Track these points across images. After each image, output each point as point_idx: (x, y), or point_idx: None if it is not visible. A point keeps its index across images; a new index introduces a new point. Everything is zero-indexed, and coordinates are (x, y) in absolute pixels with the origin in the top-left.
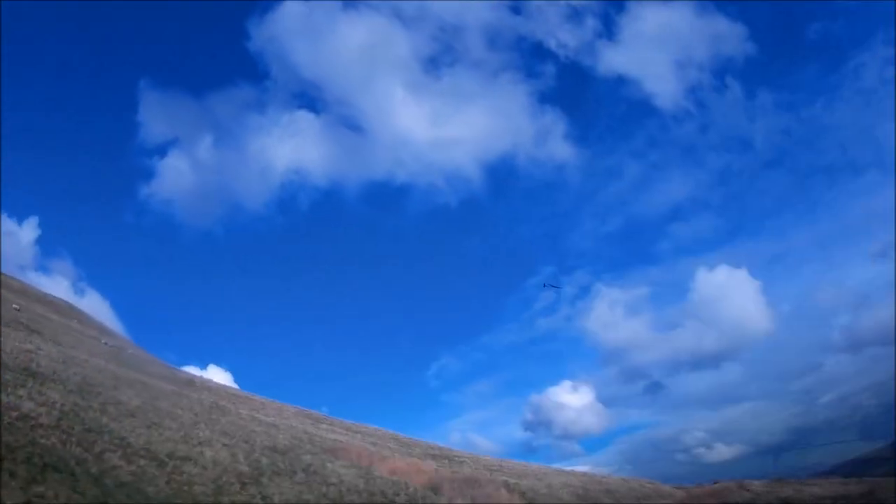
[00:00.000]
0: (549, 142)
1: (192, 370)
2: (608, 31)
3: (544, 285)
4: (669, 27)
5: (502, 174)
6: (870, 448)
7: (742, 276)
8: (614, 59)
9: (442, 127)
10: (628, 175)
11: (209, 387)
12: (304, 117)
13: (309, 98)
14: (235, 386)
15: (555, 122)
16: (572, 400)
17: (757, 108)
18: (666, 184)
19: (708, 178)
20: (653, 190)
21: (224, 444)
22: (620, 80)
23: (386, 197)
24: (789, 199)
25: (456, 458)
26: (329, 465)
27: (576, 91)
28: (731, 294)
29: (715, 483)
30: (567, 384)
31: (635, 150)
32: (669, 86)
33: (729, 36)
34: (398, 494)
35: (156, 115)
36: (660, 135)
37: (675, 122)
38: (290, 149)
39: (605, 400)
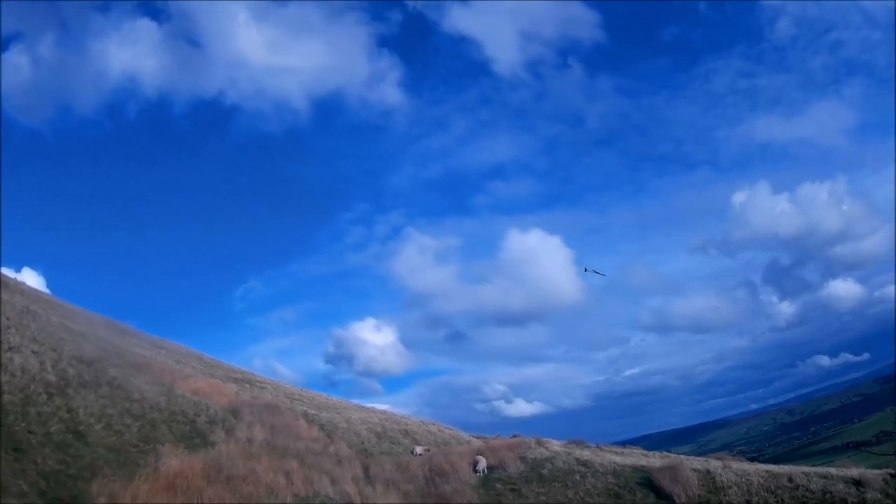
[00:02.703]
0: (381, 85)
1: (6, 272)
2: None
3: (585, 269)
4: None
5: (330, 110)
6: (674, 426)
7: (556, 242)
8: (461, 19)
9: (279, 55)
10: (455, 128)
11: (22, 290)
12: (146, 26)
13: (153, 8)
14: (48, 291)
15: (391, 68)
16: (375, 338)
17: (596, 90)
18: (491, 142)
19: (536, 144)
20: (477, 146)
21: (33, 352)
22: (462, 39)
23: (213, 116)
24: (615, 179)
25: (258, 384)
26: (133, 380)
27: (417, 42)
28: (543, 258)
29: (514, 436)
30: (371, 321)
31: (465, 106)
32: (510, 54)
33: (581, 20)
34: (199, 415)
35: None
36: (493, 96)
37: (510, 88)
38: (128, 56)
39: (408, 342)
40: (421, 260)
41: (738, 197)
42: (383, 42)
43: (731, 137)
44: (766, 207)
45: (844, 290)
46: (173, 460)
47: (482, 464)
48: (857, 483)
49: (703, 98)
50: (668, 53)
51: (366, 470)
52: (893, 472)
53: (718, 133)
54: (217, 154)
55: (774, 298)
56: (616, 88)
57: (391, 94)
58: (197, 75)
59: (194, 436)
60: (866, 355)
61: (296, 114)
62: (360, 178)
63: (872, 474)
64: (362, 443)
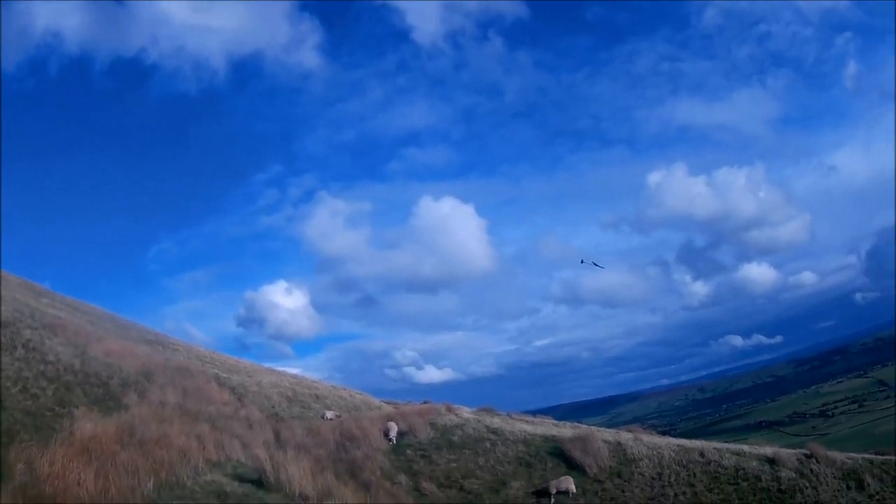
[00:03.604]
0: (301, 49)
1: None
2: None
3: (582, 261)
4: None
5: (249, 71)
6: (585, 398)
7: (468, 211)
8: None
9: (201, 14)
10: (372, 94)
11: None
12: None
13: None
14: None
15: (311, 31)
16: (286, 301)
17: (516, 64)
18: (408, 109)
19: (452, 113)
20: (393, 112)
21: None
22: (384, 7)
23: (133, 74)
24: (531, 152)
25: (170, 346)
26: (48, 341)
27: (339, 6)
28: (455, 226)
29: (424, 403)
30: (282, 284)
31: (384, 72)
32: (432, 24)
33: None
34: (112, 377)
35: None
36: (412, 63)
37: (429, 56)
38: (52, 11)
39: (319, 306)
40: (333, 224)
41: (654, 177)
42: (305, 6)
43: (651, 118)
44: (681, 189)
45: (759, 273)
46: (87, 424)
47: (393, 430)
48: (771, 461)
49: (624, 78)
50: (591, 32)
51: (277, 434)
52: (808, 452)
53: (638, 113)
54: (135, 113)
55: (688, 278)
56: (536, 63)
57: (310, 57)
58: (120, 33)
59: (108, 399)
60: (779, 338)
61: (214, 74)
62: (275, 141)
63: (786, 453)
64: (273, 407)
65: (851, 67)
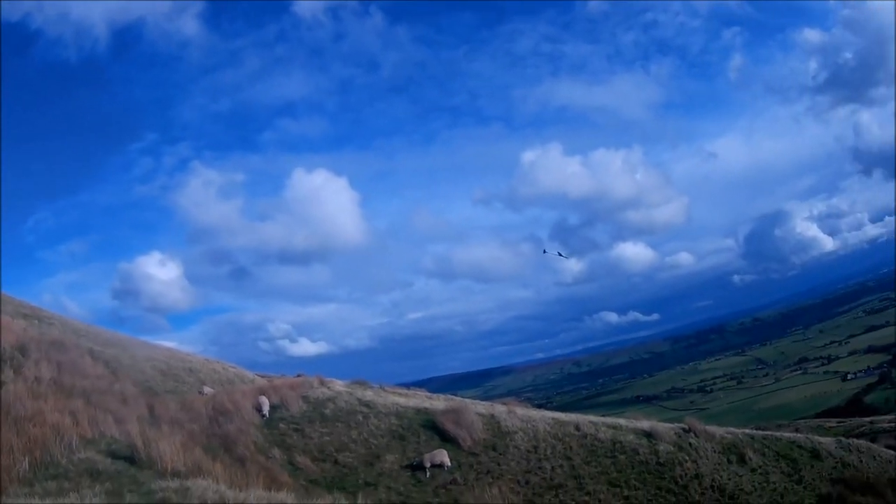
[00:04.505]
0: (182, 17)
1: None
2: None
3: (545, 251)
4: None
5: (130, 39)
6: (459, 371)
7: (342, 184)
8: None
9: None
10: (249, 63)
11: None
12: None
13: None
14: None
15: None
16: (161, 273)
17: (394, 38)
18: (285, 79)
19: (329, 85)
20: (270, 83)
21: None
22: None
23: (17, 40)
24: (406, 126)
25: (46, 320)
26: None
27: None
28: (328, 199)
29: (298, 376)
30: (157, 256)
31: (262, 42)
32: None
33: None
34: None
35: None
36: (291, 34)
37: (308, 27)
38: None
39: (193, 278)
40: (206, 194)
41: (529, 155)
42: None
43: (529, 97)
44: (556, 168)
45: (634, 253)
46: None
47: (265, 405)
48: (649, 435)
49: (504, 56)
50: (473, 10)
51: (150, 409)
52: (686, 427)
53: (516, 92)
54: (15, 80)
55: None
56: (416, 38)
57: (190, 25)
58: None
59: None
60: (656, 315)
61: (95, 41)
62: (152, 109)
63: (664, 427)
64: (147, 381)
65: (737, 60)
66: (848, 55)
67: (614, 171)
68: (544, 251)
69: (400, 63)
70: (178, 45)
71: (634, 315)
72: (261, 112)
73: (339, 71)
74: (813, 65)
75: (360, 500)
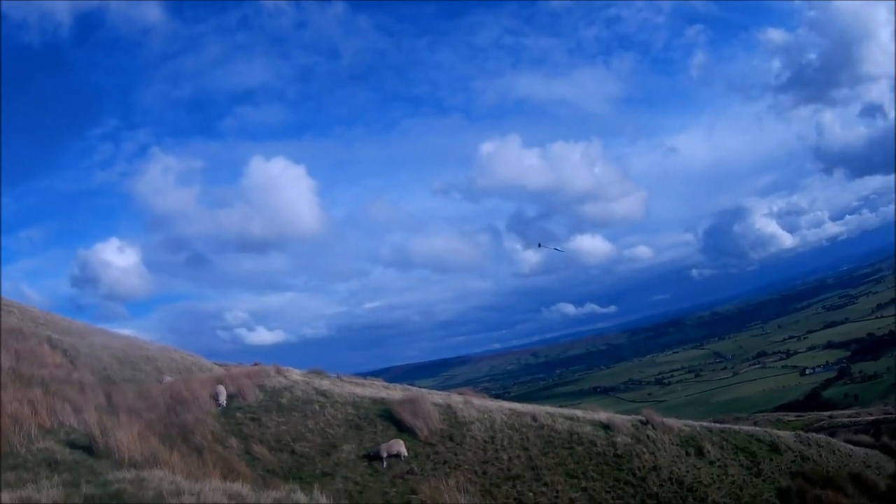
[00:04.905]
0: (145, 2)
1: None
2: None
3: (539, 245)
4: None
5: (92, 23)
6: (416, 360)
7: (299, 172)
8: None
9: None
10: (211, 49)
11: None
12: None
13: None
14: None
15: None
16: (119, 260)
17: (356, 26)
18: (246, 66)
19: (290, 72)
20: (230, 69)
21: None
22: None
23: None
24: (366, 115)
25: (5, 308)
26: None
27: None
28: (286, 187)
29: (255, 364)
30: (115, 242)
31: (224, 28)
32: None
33: None
34: None
35: None
36: (253, 20)
37: (270, 15)
38: None
39: (151, 265)
40: (165, 181)
41: (487, 147)
42: None
43: (489, 89)
44: (514, 160)
45: (592, 245)
46: None
47: (222, 394)
48: (606, 427)
49: (465, 48)
50: (435, 0)
51: (108, 398)
52: (644, 419)
53: (476, 83)
54: None
55: (518, 246)
56: (378, 27)
57: (153, 11)
58: None
59: None
60: (613, 308)
61: (59, 26)
62: (113, 94)
63: (621, 419)
64: (105, 369)
65: (700, 57)
66: (812, 56)
67: (573, 164)
68: (539, 245)
69: (361, 52)
70: (141, 30)
71: (592, 307)
72: (221, 99)
73: (300, 59)
74: (776, 64)
75: (317, 491)
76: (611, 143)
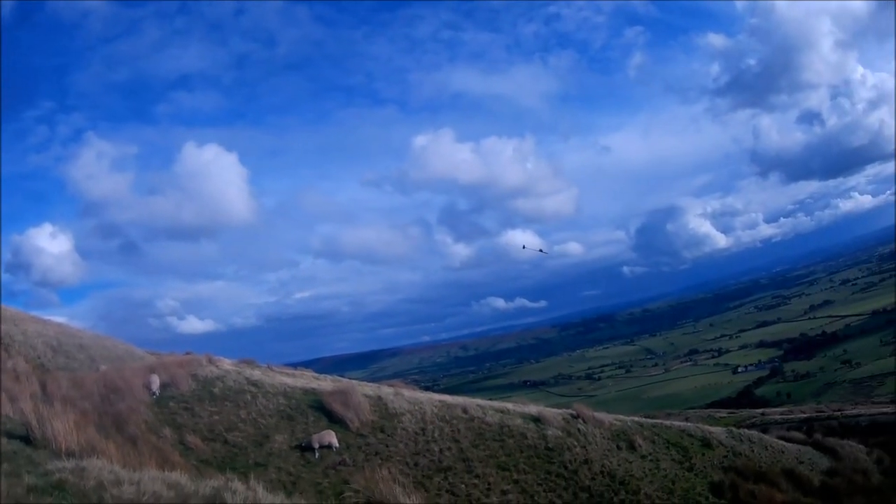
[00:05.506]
0: None
1: None
2: None
3: (524, 247)
4: None
5: (32, 4)
6: (346, 352)
7: (231, 160)
8: None
9: None
10: (149, 34)
11: None
12: None
13: None
14: None
15: None
16: (52, 246)
17: (294, 15)
18: (182, 51)
19: (226, 59)
20: (167, 54)
21: None
22: None
23: None
24: (300, 104)
25: None
26: None
27: None
28: (217, 174)
29: (186, 353)
30: (48, 228)
31: (162, 13)
32: None
33: None
34: None
35: None
36: (192, 6)
37: (209, 1)
38: None
39: (84, 252)
40: (98, 166)
41: (421, 140)
42: None
43: (425, 82)
44: (447, 153)
45: (523, 241)
46: None
47: (155, 383)
48: (537, 420)
49: (403, 40)
50: None
51: (43, 387)
52: (575, 412)
53: (412, 76)
54: None
55: (449, 239)
56: (316, 17)
57: None
58: None
59: None
60: (543, 302)
61: None
62: (49, 75)
63: (552, 413)
64: (39, 357)
65: (638, 58)
66: (752, 61)
67: (505, 160)
68: (524, 247)
69: (298, 40)
70: (81, 12)
71: (522, 301)
72: (157, 84)
73: (236, 46)
74: (715, 68)
75: (251, 481)
76: (545, 139)
